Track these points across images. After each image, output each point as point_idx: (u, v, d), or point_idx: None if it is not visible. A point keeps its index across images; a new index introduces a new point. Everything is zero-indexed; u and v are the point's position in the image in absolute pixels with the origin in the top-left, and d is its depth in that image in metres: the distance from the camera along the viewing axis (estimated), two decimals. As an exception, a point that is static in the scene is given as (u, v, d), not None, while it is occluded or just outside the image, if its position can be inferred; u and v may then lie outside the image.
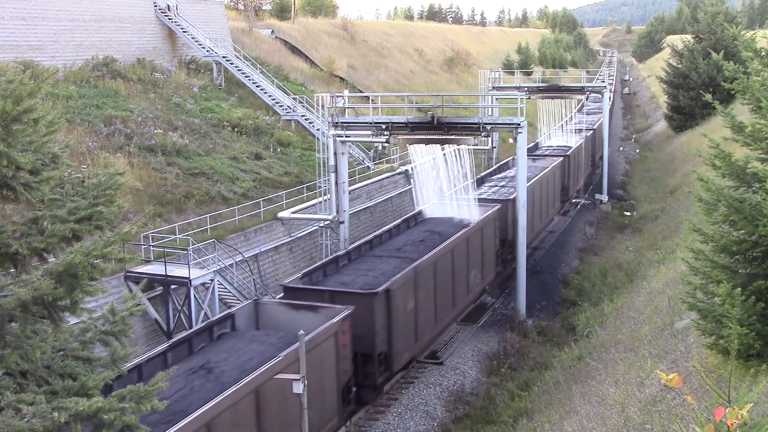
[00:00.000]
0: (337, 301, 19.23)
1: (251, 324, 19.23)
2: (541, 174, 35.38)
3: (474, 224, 26.48)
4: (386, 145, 32.07)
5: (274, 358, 15.19)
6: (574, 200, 45.06)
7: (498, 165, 40.71)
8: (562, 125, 52.57)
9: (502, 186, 35.81)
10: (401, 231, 27.68)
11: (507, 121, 27.49)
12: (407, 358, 21.73)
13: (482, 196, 32.15)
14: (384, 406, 21.21)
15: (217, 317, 18.70)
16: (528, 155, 36.45)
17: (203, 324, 18.31)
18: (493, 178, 38.11)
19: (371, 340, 19.45)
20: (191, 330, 18.20)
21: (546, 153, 45.31)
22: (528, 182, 29.57)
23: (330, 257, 24.40)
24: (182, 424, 12.30)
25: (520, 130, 26.31)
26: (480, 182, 36.30)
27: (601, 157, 51.46)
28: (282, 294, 20.84)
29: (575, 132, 51.03)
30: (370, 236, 26.23)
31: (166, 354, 16.02)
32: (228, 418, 13.53)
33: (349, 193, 29.82)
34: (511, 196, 30.36)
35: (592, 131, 51.92)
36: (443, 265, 23.55)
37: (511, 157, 39.02)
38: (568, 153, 42.65)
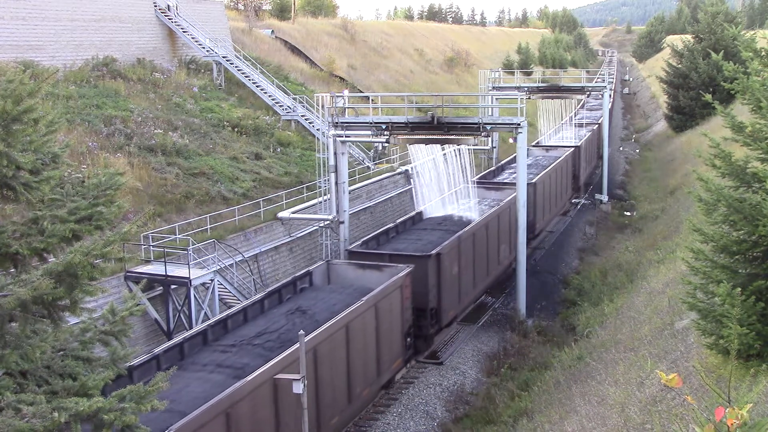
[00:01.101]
0: (395, 263, 22.35)
1: (324, 281, 22.71)
2: (555, 163, 39.32)
3: (503, 204, 29.89)
4: (386, 145, 32.05)
5: (357, 302, 18.90)
6: (584, 183, 48.66)
7: (508, 159, 43.36)
8: (569, 119, 55.67)
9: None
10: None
11: (507, 121, 27.48)
12: (452, 315, 24.88)
13: (505, 181, 36.48)
14: (384, 406, 21.23)
15: (299, 273, 22.43)
16: (541, 146, 46.82)
17: (288, 279, 22.08)
18: (512, 165, 40.11)
19: (425, 296, 22.70)
20: (279, 283, 21.83)
21: (558, 144, 48.29)
22: (545, 170, 35.80)
23: (381, 229, 27.64)
24: (294, 348, 15.35)
25: (520, 130, 26.30)
26: (501, 169, 40.62)
27: (602, 156, 51.55)
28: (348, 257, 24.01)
29: (582, 126, 54.42)
30: (413, 212, 29.97)
31: (263, 301, 19.97)
32: (327, 346, 17.10)
33: (349, 193, 29.81)
34: (533, 180, 33.71)
35: (597, 125, 53.64)
36: (480, 238, 26.90)
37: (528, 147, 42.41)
38: (579, 144, 46.15)
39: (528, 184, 31.49)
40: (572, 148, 44.41)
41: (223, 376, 15.06)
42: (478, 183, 33.87)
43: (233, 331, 18.36)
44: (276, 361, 15.12)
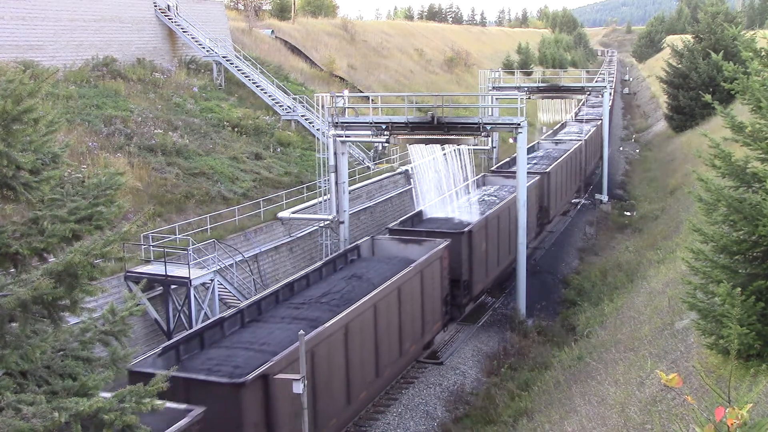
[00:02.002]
0: (432, 239, 25.18)
1: (370, 253, 25.56)
2: (566, 154, 42.44)
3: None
4: (386, 145, 32.06)
5: (406, 268, 21.85)
6: (590, 173, 51.35)
7: (540, 139, 47.86)
8: (573, 114, 58.39)
9: (535, 163, 41.53)
10: (462, 194, 33.58)
11: (507, 121, 27.48)
12: (480, 287, 27.51)
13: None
14: (384, 406, 21.23)
15: (349, 246, 25.93)
16: (552, 139, 49.83)
17: (340, 251, 25.51)
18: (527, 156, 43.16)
19: (459, 268, 25.26)
20: (333, 254, 25.18)
21: (566, 138, 50.48)
22: (556, 161, 39.47)
23: (413, 213, 30.01)
24: (360, 303, 18.89)
25: (520, 130, 26.30)
26: (514, 161, 40.99)
27: (602, 157, 51.60)
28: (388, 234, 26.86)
29: (586, 122, 57.26)
30: (440, 196, 32.20)
31: (321, 269, 22.77)
32: (384, 303, 20.11)
33: (349, 193, 29.82)
34: (547, 170, 37.05)
35: (600, 121, 55.02)
36: (503, 219, 29.38)
37: (536, 142, 48.08)
38: (585, 138, 48.97)
39: (542, 173, 36.28)
40: (580, 141, 47.19)
41: (300, 326, 17.22)
42: (496, 172, 37.94)
43: (299, 293, 21.08)
44: (347, 312, 18.23)
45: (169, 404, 11.32)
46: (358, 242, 25.55)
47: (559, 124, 55.56)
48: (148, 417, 12.09)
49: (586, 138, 49.07)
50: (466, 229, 25.90)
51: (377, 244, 25.77)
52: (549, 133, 53.55)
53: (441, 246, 24.02)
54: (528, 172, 34.86)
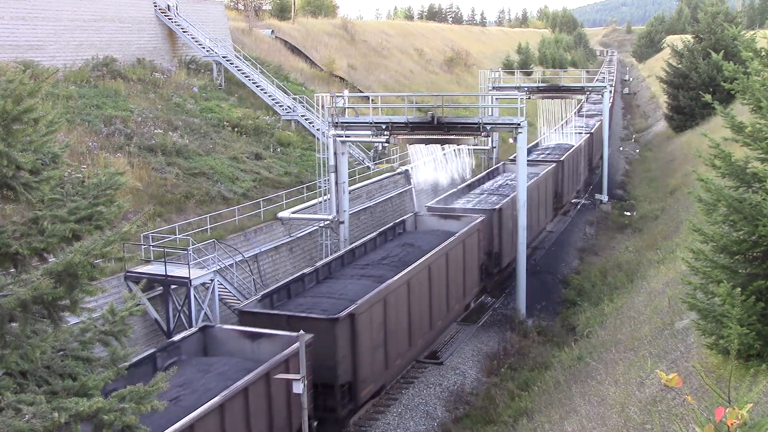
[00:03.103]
0: (464, 215, 28.72)
1: (413, 227, 28.97)
2: (576, 146, 46.29)
3: (540, 176, 35.77)
4: (386, 145, 32.07)
5: (449, 238, 25.21)
6: (594, 166, 54.67)
7: (536, 142, 50.02)
8: (577, 110, 61.10)
9: (548, 153, 46.17)
10: (486, 179, 38.55)
11: (507, 121, 27.48)
12: (508, 260, 30.32)
13: (538, 159, 42.87)
14: (384, 406, 21.23)
15: (397, 221, 28.92)
16: (559, 132, 53.07)
17: (389, 224, 28.67)
18: (537, 149, 48.39)
19: (491, 242, 28.71)
20: (384, 227, 28.24)
21: (574, 131, 53.33)
22: (568, 151, 43.74)
23: (447, 193, 33.43)
24: (416, 264, 22.36)
25: (520, 130, 26.29)
26: (528, 152, 45.84)
27: (601, 157, 51.64)
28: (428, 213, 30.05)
29: (590, 117, 61.12)
30: (469, 180, 36.66)
31: (376, 239, 26.46)
32: (435, 265, 23.51)
33: (349, 193, 29.82)
34: (561, 158, 41.30)
35: (601, 116, 56.90)
36: (528, 201, 30.71)
37: (543, 136, 51.37)
38: (592, 130, 52.47)
39: (558, 161, 40.65)
40: (588, 135, 51.00)
41: (369, 281, 21.30)
42: (513, 161, 40.48)
43: (360, 258, 24.71)
44: (408, 270, 21.80)
45: (283, 332, 17.20)
46: (404, 218, 29.37)
47: (565, 120, 57.06)
48: (265, 343, 17.37)
49: (593, 131, 52.39)
50: (497, 207, 29.51)
51: (419, 220, 29.46)
52: (557, 126, 55.56)
53: (478, 220, 27.57)
54: (544, 161, 41.55)
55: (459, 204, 32.23)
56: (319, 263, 23.44)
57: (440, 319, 24.47)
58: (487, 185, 37.02)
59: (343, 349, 18.42)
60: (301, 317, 18.42)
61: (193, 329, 18.34)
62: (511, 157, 41.82)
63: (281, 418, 15.87)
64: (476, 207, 30.95)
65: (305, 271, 22.55)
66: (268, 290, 20.74)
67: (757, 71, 11.61)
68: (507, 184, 36.32)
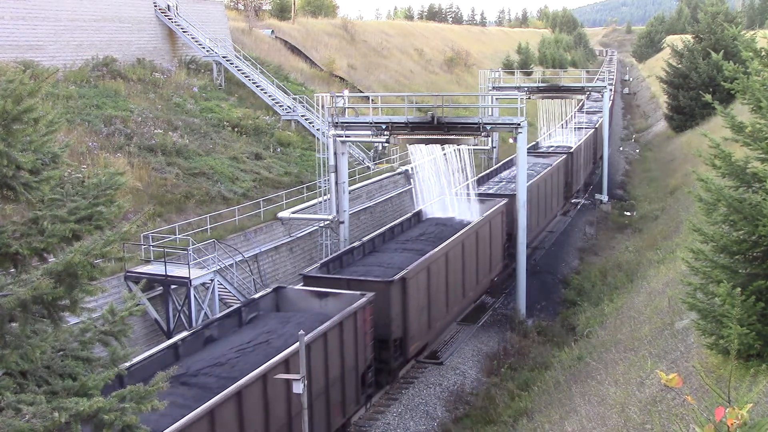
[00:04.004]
0: (488, 199, 31.47)
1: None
2: (583, 139, 48.69)
3: (553, 166, 38.45)
4: (386, 145, 32.07)
5: (481, 217, 27.97)
6: (599, 157, 56.00)
7: (535, 142, 50.82)
8: (579, 108, 62.68)
9: (558, 146, 48.78)
10: (503, 169, 40.77)
11: (507, 121, 27.48)
12: (532, 237, 33.62)
13: (549, 151, 45.87)
14: (384, 406, 21.23)
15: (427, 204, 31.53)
16: (566, 127, 55.41)
17: (416, 210, 30.80)
18: (543, 145, 50.81)
19: (511, 224, 30.05)
20: (413, 211, 30.76)
21: (579, 127, 55.58)
22: (576, 144, 46.62)
23: (468, 181, 35.04)
24: (452, 239, 25.00)
25: (520, 130, 26.29)
26: (535, 146, 48.38)
27: (601, 157, 51.69)
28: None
29: (592, 113, 62.79)
30: (496, 165, 41.02)
31: (411, 218, 29.45)
32: (468, 241, 26.04)
33: (349, 193, 29.82)
34: (571, 150, 44.26)
35: (601, 112, 58.15)
36: (542, 188, 35.49)
37: (551, 130, 53.53)
38: (596, 126, 54.26)
39: (568, 153, 43.17)
40: (593, 130, 53.02)
41: (410, 254, 24.39)
42: (528, 152, 44.38)
43: (399, 234, 27.61)
44: (446, 243, 24.41)
45: (348, 291, 20.03)
46: (434, 200, 31.49)
47: (569, 117, 58.63)
48: (331, 301, 20.10)
49: (597, 126, 54.18)
50: (513, 193, 30.95)
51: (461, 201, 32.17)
52: (563, 122, 57.17)
53: (501, 203, 29.91)
54: (555, 152, 44.89)
55: (481, 190, 34.50)
56: (365, 238, 26.31)
57: (471, 290, 26.93)
58: (504, 174, 39.45)
59: (396, 309, 21.02)
60: (360, 280, 21.25)
61: (268, 289, 20.96)
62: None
63: (350, 359, 18.73)
64: (498, 192, 33.74)
65: (354, 244, 25.54)
66: (325, 260, 23.89)
67: (757, 71, 11.61)
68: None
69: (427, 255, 23.26)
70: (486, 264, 28.24)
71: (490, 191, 34.55)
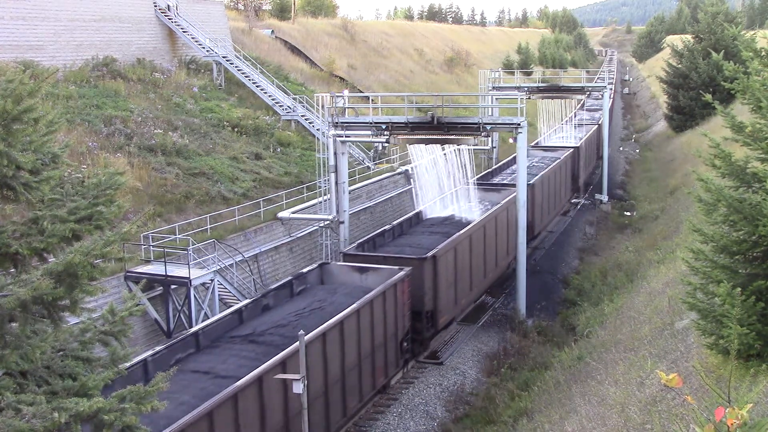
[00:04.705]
0: (505, 188, 34.32)
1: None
2: (587, 134, 51.19)
3: (561, 159, 41.02)
4: (386, 145, 32.07)
5: (497, 205, 30.24)
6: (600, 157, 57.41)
7: (536, 142, 52.14)
8: (580, 106, 65.03)
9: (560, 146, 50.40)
10: (514, 162, 39.69)
11: (507, 121, 27.47)
12: (539, 229, 36.05)
13: (557, 145, 47.77)
14: (384, 406, 21.23)
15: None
16: (570, 123, 57.21)
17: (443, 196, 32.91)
18: (549, 141, 53.19)
19: (529, 212, 30.64)
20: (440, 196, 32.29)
21: (582, 123, 57.37)
22: (582, 139, 49.06)
23: (486, 171, 39.72)
24: (475, 222, 27.30)
25: (520, 130, 26.28)
26: (538, 144, 50.97)
27: (601, 157, 51.70)
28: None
29: (594, 111, 64.43)
30: (509, 157, 41.70)
31: (451, 193, 31.92)
32: (489, 225, 28.26)
33: (349, 193, 29.81)
34: (578, 144, 46.56)
35: (601, 110, 59.12)
36: (551, 181, 37.82)
37: (558, 125, 55.40)
38: (599, 122, 55.25)
39: (574, 147, 45.58)
40: (596, 126, 54.44)
41: (437, 236, 26.47)
42: (535, 147, 46.73)
43: (425, 219, 29.93)
44: (470, 227, 26.62)
45: (387, 266, 22.28)
46: (455, 189, 32.97)
47: (572, 114, 59.45)
48: (371, 275, 22.22)
49: (600, 123, 55.05)
50: (531, 182, 32.88)
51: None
52: (565, 120, 58.17)
53: (511, 196, 30.77)
54: (561, 147, 46.70)
55: (496, 181, 37.35)
56: (395, 222, 28.66)
57: (491, 272, 28.95)
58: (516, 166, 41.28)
59: (429, 283, 23.03)
60: (395, 257, 23.51)
61: (314, 265, 23.26)
62: (533, 143, 47.97)
63: (392, 325, 20.99)
64: (513, 182, 34.86)
65: (385, 227, 27.69)
66: (361, 240, 26.03)
67: (757, 71, 11.61)
68: (534, 165, 40.41)
69: (454, 236, 25.12)
70: (503, 248, 29.97)
71: (505, 181, 37.31)
